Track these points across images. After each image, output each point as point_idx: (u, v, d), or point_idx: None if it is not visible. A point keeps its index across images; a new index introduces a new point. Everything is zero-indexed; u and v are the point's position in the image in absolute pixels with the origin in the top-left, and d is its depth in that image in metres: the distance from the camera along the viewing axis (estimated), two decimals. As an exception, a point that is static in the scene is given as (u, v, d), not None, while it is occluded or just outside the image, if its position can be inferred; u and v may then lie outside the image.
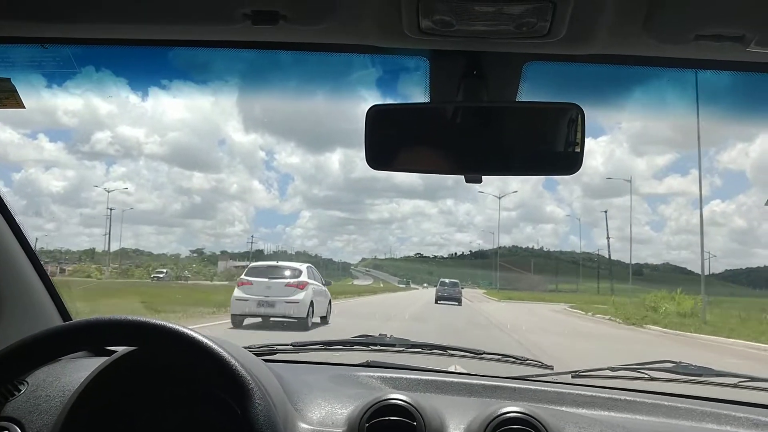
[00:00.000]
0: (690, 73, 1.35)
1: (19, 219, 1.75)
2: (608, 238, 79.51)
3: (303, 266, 14.56)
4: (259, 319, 13.38)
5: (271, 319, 13.25)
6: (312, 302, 13.20)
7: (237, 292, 13.25)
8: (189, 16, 1.13)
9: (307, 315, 12.90)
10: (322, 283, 15.04)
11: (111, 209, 61.91)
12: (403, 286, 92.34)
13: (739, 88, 1.47)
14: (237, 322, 12.93)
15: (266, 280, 13.30)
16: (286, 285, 13.11)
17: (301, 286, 13.20)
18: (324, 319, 14.06)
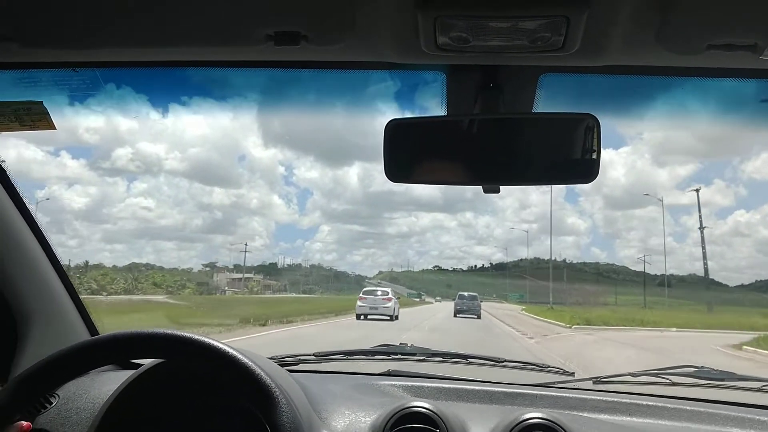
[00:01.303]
0: (705, 82, 1.36)
1: (48, 235, 1.80)
2: (701, 228, 49.21)
3: (389, 289, 28.58)
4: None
5: (369, 316, 23.54)
6: (394, 308, 24.48)
7: (359, 302, 24.59)
8: (214, 38, 1.17)
9: (392, 314, 23.98)
10: (396, 298, 27.58)
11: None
12: (417, 299, 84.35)
13: (755, 96, 1.47)
14: (358, 317, 23.87)
15: (372, 297, 25.21)
16: (382, 299, 24.89)
17: (389, 299, 24.97)
18: (396, 317, 24.22)
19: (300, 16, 1.08)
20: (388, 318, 23.51)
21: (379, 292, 26.21)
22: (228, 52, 1.24)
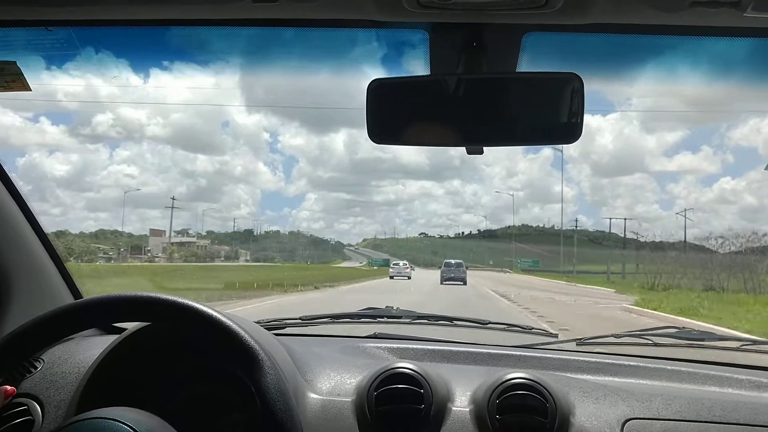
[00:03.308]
0: (691, 42, 1.35)
1: (28, 200, 1.78)
2: None
3: (407, 261, 52.67)
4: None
5: (394, 277, 38.97)
6: (410, 272, 42.62)
7: (390, 270, 42.90)
8: None
9: (409, 275, 40.19)
10: (410, 267, 47.65)
11: None
12: (375, 267, 72.02)
13: (742, 58, 1.46)
14: (391, 277, 38.66)
15: (398, 267, 43.63)
16: (404, 268, 42.90)
17: (407, 268, 43.91)
18: (410, 277, 38.94)
19: None
20: (407, 278, 38.55)
21: (401, 264, 45.24)
22: (206, 10, 1.21)
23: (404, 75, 1.30)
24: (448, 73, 1.32)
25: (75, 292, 1.92)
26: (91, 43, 1.44)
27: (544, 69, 1.32)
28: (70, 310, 1.30)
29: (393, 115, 1.27)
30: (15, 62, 1.38)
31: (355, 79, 1.49)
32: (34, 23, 1.30)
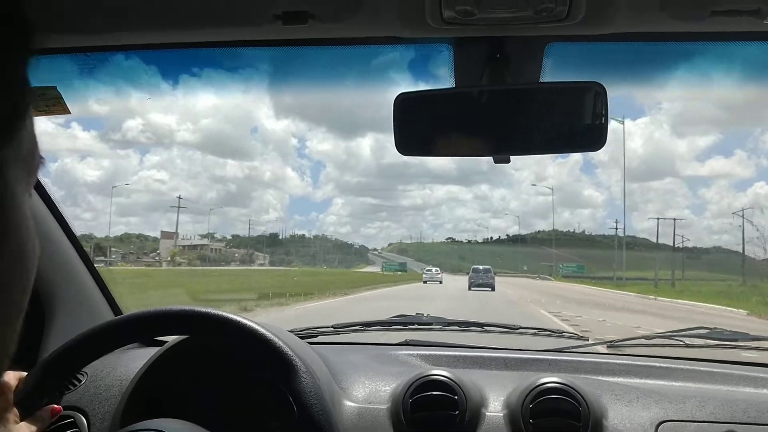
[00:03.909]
0: (715, 47, 1.36)
1: (66, 213, 1.81)
2: None
3: (438, 268, 59.78)
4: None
5: (427, 281, 43.81)
6: (442, 277, 48.85)
7: (424, 275, 49.05)
8: (222, 20, 1.19)
9: (441, 280, 44.91)
10: (440, 272, 53.71)
11: None
12: (389, 272, 66.92)
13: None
14: (424, 282, 43.67)
15: (431, 272, 49.84)
16: (435, 273, 49.64)
17: (439, 273, 50.33)
18: (441, 282, 43.31)
19: None
20: (439, 282, 42.74)
21: (433, 270, 50.61)
22: (237, 32, 1.25)
23: (429, 88, 1.33)
24: (473, 85, 1.34)
25: (114, 308, 1.97)
26: (126, 65, 1.50)
27: (567, 78, 1.34)
28: (111, 326, 1.34)
29: (420, 127, 1.29)
30: (55, 87, 1.44)
31: (382, 92, 1.52)
32: (74, 50, 1.35)
